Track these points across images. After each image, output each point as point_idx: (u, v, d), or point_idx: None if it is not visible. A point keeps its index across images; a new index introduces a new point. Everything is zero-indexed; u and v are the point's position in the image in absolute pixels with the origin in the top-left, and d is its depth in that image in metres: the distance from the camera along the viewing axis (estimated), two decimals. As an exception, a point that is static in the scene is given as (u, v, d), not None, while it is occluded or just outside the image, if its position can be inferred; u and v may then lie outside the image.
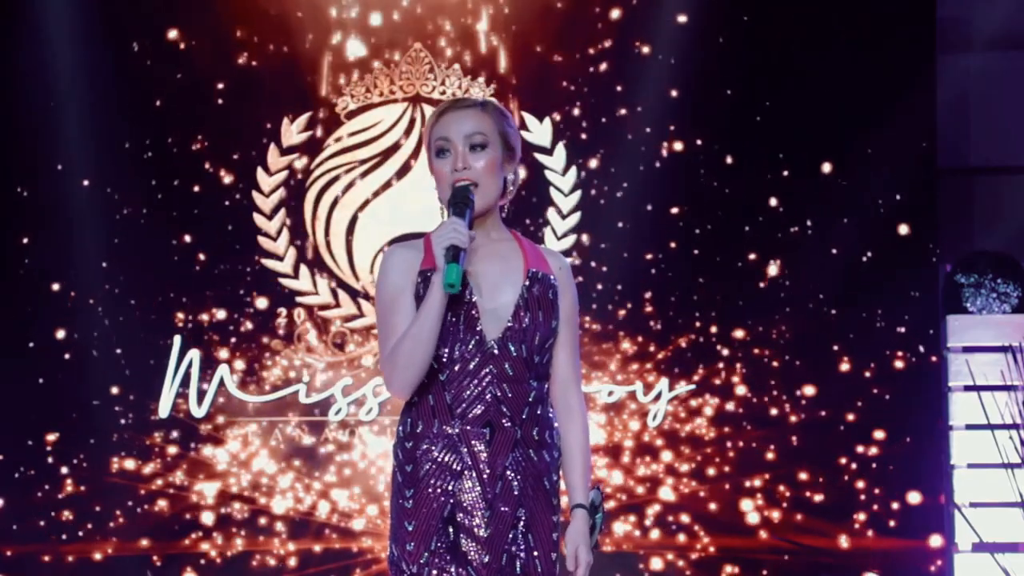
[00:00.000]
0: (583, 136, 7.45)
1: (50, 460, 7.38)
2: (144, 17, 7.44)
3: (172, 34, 7.44)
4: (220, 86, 7.45)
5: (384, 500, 7.33)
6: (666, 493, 7.35)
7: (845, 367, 7.35)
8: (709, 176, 7.41)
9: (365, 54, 7.48)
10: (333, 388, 7.42)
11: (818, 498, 7.32)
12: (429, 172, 4.11)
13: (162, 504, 7.38)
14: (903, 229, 7.35)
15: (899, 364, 7.33)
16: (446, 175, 4.02)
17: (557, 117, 7.45)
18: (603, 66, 7.44)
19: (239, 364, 7.42)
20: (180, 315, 7.42)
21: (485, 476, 3.94)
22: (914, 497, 7.30)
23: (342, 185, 7.48)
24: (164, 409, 7.40)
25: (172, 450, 7.40)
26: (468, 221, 3.92)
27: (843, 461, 7.32)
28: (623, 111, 7.42)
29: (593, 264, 7.39)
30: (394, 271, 4.00)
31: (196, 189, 7.44)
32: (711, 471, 7.36)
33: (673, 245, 7.40)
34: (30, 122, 7.44)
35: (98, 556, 7.36)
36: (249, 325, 7.43)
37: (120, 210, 7.43)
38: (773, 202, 7.39)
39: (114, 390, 7.40)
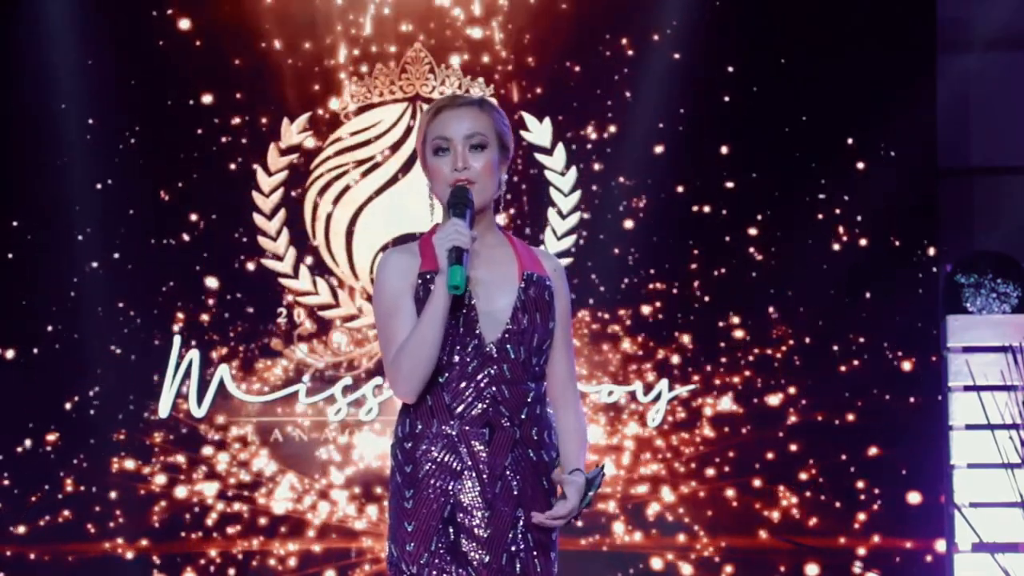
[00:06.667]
0: (583, 136, 7.44)
1: (50, 460, 7.38)
2: (145, 18, 7.44)
3: (172, 35, 7.44)
4: (220, 86, 7.45)
5: (384, 500, 7.33)
6: (666, 493, 7.35)
7: (845, 367, 7.35)
8: (709, 176, 7.41)
9: (365, 54, 7.47)
10: (333, 388, 7.42)
11: (818, 498, 7.32)
12: (422, 168, 4.11)
13: (162, 504, 7.38)
14: (903, 229, 7.35)
15: (899, 364, 7.33)
16: (444, 174, 4.01)
17: (557, 117, 7.45)
18: (603, 66, 7.43)
19: (239, 364, 7.42)
20: (180, 315, 7.42)
21: (485, 476, 3.94)
22: (914, 497, 7.30)
23: (342, 185, 7.48)
24: (164, 409, 7.40)
25: (172, 450, 7.39)
26: (469, 221, 3.92)
27: (843, 461, 7.32)
28: (623, 111, 7.42)
29: (593, 264, 7.39)
30: (392, 275, 3.99)
31: (196, 189, 7.44)
32: (711, 471, 7.36)
33: (673, 245, 7.40)
34: (30, 122, 7.44)
35: (98, 556, 7.36)
36: (249, 325, 7.43)
37: (120, 210, 7.42)
38: (773, 202, 7.38)
39: (114, 390, 7.40)
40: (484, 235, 4.03)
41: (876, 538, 7.30)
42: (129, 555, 7.36)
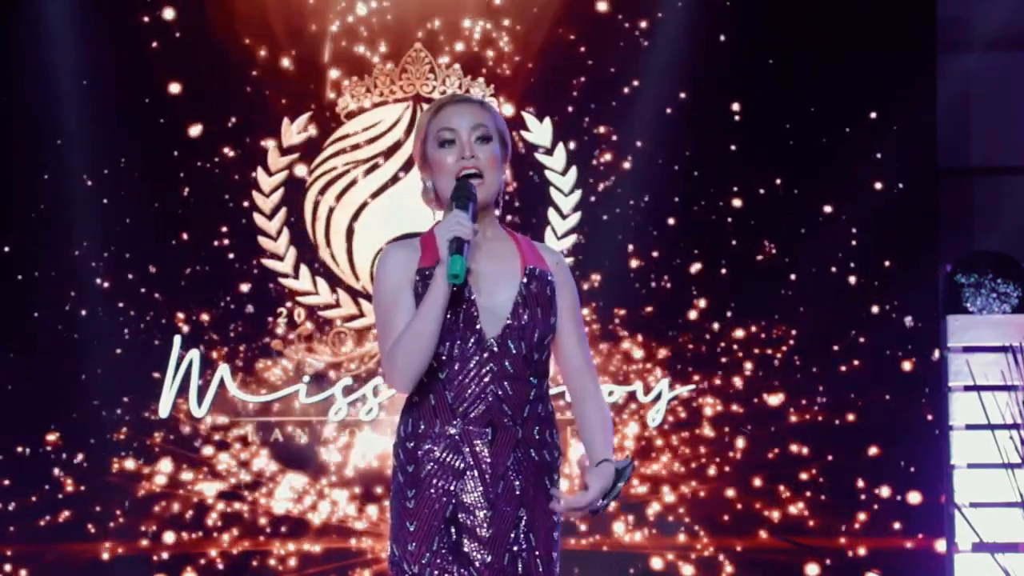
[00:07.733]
0: (583, 136, 7.44)
1: (50, 460, 7.37)
2: (145, 19, 7.44)
3: (172, 37, 7.44)
4: (220, 86, 7.44)
5: (384, 500, 7.33)
6: (666, 493, 7.35)
7: (845, 367, 7.35)
8: (710, 176, 7.41)
9: (365, 54, 7.48)
10: (333, 388, 7.42)
11: (818, 498, 7.32)
12: (419, 168, 4.11)
13: (162, 504, 7.38)
14: (903, 229, 7.35)
15: (899, 364, 7.33)
16: (450, 165, 4.02)
17: (557, 117, 7.45)
18: (603, 66, 7.43)
19: (239, 364, 7.42)
20: (180, 315, 7.42)
21: (487, 476, 3.94)
22: (914, 497, 7.30)
23: (342, 185, 7.48)
24: (164, 409, 7.40)
25: (172, 450, 7.39)
26: (472, 214, 3.92)
27: (843, 461, 7.32)
28: (624, 111, 7.42)
29: (593, 264, 7.39)
30: (392, 269, 4.00)
31: (196, 189, 7.44)
32: (711, 471, 7.36)
33: (673, 245, 7.40)
34: (29, 122, 7.44)
35: (98, 556, 7.36)
36: (249, 325, 7.43)
37: (120, 210, 7.42)
38: (774, 202, 7.39)
39: (114, 390, 7.40)
40: (486, 231, 4.03)
41: (876, 538, 7.30)
42: (129, 555, 7.35)
